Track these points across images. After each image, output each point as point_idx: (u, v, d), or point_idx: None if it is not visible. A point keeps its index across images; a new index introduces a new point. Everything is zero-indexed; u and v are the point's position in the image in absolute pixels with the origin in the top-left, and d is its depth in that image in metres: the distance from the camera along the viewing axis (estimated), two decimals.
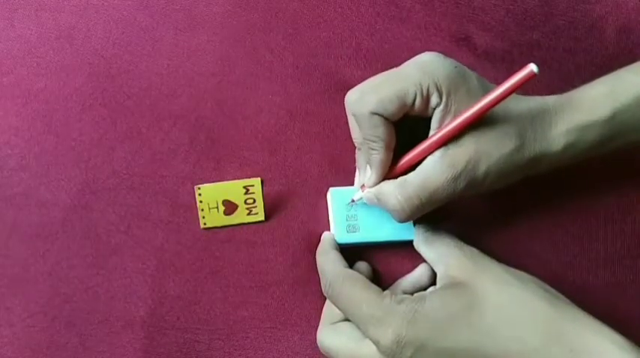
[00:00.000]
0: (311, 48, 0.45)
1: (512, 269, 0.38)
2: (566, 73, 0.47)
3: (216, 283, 0.42)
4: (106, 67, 0.43)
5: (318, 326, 0.42)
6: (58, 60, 0.43)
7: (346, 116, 0.44)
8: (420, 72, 0.37)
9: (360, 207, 0.42)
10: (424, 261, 0.42)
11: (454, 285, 0.37)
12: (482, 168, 0.37)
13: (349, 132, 0.44)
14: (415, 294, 0.37)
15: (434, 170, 0.37)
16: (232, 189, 0.42)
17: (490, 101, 0.35)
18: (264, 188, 0.43)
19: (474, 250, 0.39)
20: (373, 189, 0.39)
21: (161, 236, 0.42)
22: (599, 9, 0.48)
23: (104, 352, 0.41)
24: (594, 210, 0.46)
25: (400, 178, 0.38)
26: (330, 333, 0.40)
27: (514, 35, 0.47)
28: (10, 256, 0.41)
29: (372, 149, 0.38)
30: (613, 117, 0.38)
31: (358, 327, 0.38)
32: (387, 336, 0.35)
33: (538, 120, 0.38)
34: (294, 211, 0.43)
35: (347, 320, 0.40)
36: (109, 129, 0.43)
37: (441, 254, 0.40)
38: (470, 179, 0.37)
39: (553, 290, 0.37)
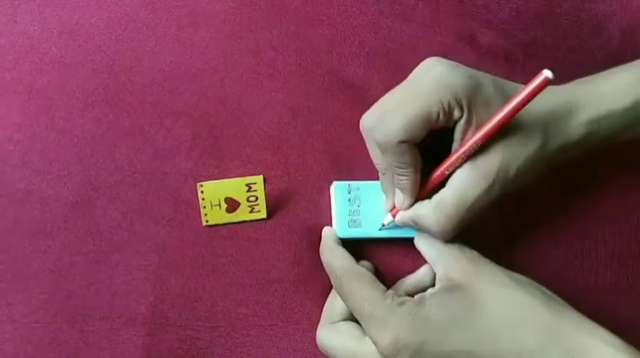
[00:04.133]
0: (314, 45, 0.45)
1: (511, 272, 0.38)
2: (570, 73, 0.47)
3: (217, 280, 0.42)
4: (108, 63, 0.43)
5: (319, 324, 0.42)
6: (60, 56, 0.43)
7: (349, 114, 0.44)
8: (438, 87, 0.36)
9: (363, 202, 0.42)
10: (426, 261, 0.42)
11: (453, 288, 0.37)
12: (513, 171, 0.36)
13: (351, 130, 0.44)
14: (415, 296, 0.37)
15: (467, 184, 0.36)
16: (235, 186, 0.42)
17: (508, 112, 0.35)
18: (266, 185, 0.43)
19: (474, 252, 0.40)
20: (408, 213, 0.39)
21: (163, 233, 0.42)
22: (603, 8, 0.48)
23: (105, 348, 0.41)
24: (596, 210, 0.46)
25: (435, 199, 0.37)
26: (329, 333, 0.40)
27: (518, 34, 0.47)
28: (12, 252, 0.41)
29: (402, 175, 0.38)
30: (635, 106, 0.38)
31: (361, 324, 0.38)
32: (385, 338, 0.35)
33: (558, 113, 0.38)
34: (296, 209, 0.43)
35: (347, 319, 0.40)
36: (112, 125, 0.43)
37: (440, 254, 0.40)
38: (503, 184, 0.36)
39: (552, 294, 0.37)
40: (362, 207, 0.42)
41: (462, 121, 0.36)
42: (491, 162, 0.36)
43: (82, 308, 0.41)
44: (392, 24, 0.46)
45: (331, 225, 0.43)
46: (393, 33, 0.46)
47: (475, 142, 0.36)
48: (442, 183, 0.38)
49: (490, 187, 0.36)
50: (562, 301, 0.36)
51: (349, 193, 0.43)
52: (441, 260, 0.39)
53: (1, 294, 0.41)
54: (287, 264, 0.43)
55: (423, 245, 0.41)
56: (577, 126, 0.38)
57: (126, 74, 0.43)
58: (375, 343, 0.36)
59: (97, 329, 0.41)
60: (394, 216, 0.40)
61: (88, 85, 0.43)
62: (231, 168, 0.43)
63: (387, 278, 0.43)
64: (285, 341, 0.43)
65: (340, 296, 0.39)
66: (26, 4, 0.43)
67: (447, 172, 0.37)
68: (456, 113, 0.36)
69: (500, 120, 0.35)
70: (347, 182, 0.43)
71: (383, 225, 0.42)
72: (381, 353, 0.36)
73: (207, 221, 0.42)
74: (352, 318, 0.40)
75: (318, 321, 0.42)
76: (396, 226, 0.42)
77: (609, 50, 0.47)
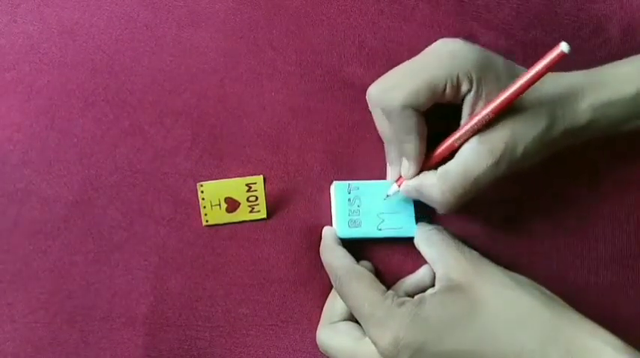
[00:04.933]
0: (314, 45, 0.45)
1: (510, 273, 0.38)
2: None
3: (217, 280, 0.42)
4: (108, 63, 0.43)
5: (319, 324, 0.42)
6: (60, 56, 0.43)
7: (349, 113, 0.44)
8: (449, 60, 0.37)
9: (363, 202, 0.42)
10: (426, 261, 0.42)
11: (453, 288, 0.37)
12: (520, 149, 0.37)
13: (351, 130, 0.44)
14: (415, 297, 0.37)
15: (474, 158, 0.37)
16: (234, 186, 0.42)
17: (523, 84, 0.35)
18: (266, 185, 0.43)
19: (474, 252, 0.40)
20: (412, 182, 0.39)
21: (163, 233, 0.42)
22: (604, 8, 0.48)
23: (105, 348, 0.41)
24: (597, 210, 0.46)
25: (441, 169, 0.38)
26: (329, 333, 0.40)
27: (518, 34, 0.47)
28: (12, 252, 0.41)
29: (407, 142, 0.38)
30: (639, 95, 0.38)
31: (361, 324, 0.38)
32: (385, 338, 0.35)
33: (565, 96, 0.38)
34: (296, 209, 0.43)
35: (346, 319, 0.40)
36: (112, 125, 0.43)
37: (440, 254, 0.40)
38: (509, 161, 0.37)
39: (551, 294, 0.37)
40: (362, 206, 0.42)
41: (471, 95, 0.37)
42: (500, 139, 0.37)
43: (82, 308, 0.41)
44: (392, 24, 0.46)
45: (331, 225, 0.43)
46: (393, 33, 0.46)
47: (487, 114, 0.36)
48: (450, 156, 0.38)
49: (497, 163, 0.37)
50: (562, 301, 0.36)
51: (349, 193, 0.43)
52: (440, 260, 0.39)
53: (1, 294, 0.41)
54: (287, 263, 0.43)
55: (423, 245, 0.41)
56: (583, 110, 0.38)
57: (126, 74, 0.43)
58: (374, 343, 0.36)
59: (97, 329, 0.41)
60: (399, 186, 0.41)
61: (88, 85, 0.43)
62: (231, 168, 0.43)
63: (387, 278, 0.43)
64: (285, 341, 0.43)
65: (340, 296, 0.39)
66: (26, 3, 0.43)
67: (456, 144, 0.38)
68: (465, 86, 0.37)
69: (514, 93, 0.35)
70: (347, 182, 0.43)
71: (387, 195, 0.42)
72: (381, 353, 0.36)
73: (207, 221, 0.42)
74: (352, 318, 0.40)
75: (318, 321, 0.42)
76: (396, 221, 0.42)
77: (609, 50, 0.47)
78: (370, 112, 0.42)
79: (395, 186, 0.41)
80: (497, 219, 0.45)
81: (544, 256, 0.45)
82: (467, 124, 0.37)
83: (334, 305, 0.41)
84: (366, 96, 0.40)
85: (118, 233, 0.42)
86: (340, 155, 0.44)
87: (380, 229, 0.42)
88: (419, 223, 0.42)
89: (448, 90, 0.37)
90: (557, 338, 0.34)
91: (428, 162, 0.39)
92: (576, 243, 0.46)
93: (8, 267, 0.41)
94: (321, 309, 0.43)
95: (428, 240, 0.41)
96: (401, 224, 0.42)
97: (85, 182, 0.42)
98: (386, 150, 0.42)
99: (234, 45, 0.44)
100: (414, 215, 0.43)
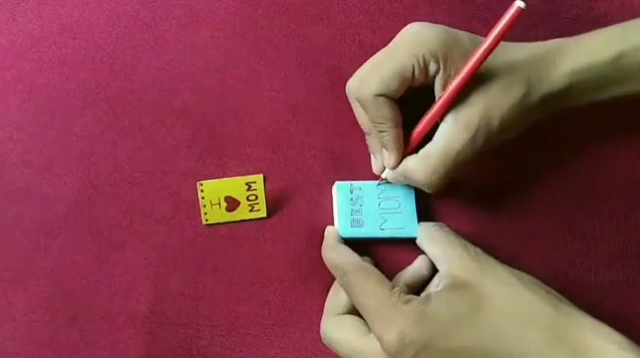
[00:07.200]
0: (314, 44, 0.45)
1: (515, 271, 0.38)
2: None
3: (217, 279, 0.42)
4: (108, 62, 0.43)
5: (319, 322, 0.42)
6: (60, 54, 0.43)
7: (349, 112, 0.44)
8: (413, 43, 0.38)
9: (365, 202, 0.42)
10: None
11: (458, 286, 0.37)
12: (496, 121, 0.37)
13: (352, 129, 0.44)
14: (421, 294, 0.37)
15: (451, 135, 0.37)
16: (234, 185, 0.42)
17: (486, 49, 0.35)
18: (266, 184, 0.43)
19: (478, 250, 0.39)
20: (398, 169, 0.40)
21: (163, 232, 0.42)
22: (603, 7, 0.47)
23: (105, 347, 0.41)
24: (597, 209, 0.46)
25: (421, 152, 0.39)
26: (334, 325, 0.40)
27: (518, 33, 0.47)
28: (13, 251, 0.41)
29: (382, 131, 0.39)
30: (618, 59, 0.38)
31: (366, 320, 0.38)
32: (390, 334, 0.35)
33: (541, 62, 0.38)
34: (296, 208, 0.43)
35: (350, 312, 0.40)
36: (112, 124, 0.43)
37: (444, 252, 0.40)
38: (487, 134, 0.37)
39: (554, 292, 0.37)
40: (364, 206, 0.42)
41: (440, 75, 0.37)
42: (474, 113, 0.37)
43: (82, 307, 0.41)
44: (392, 23, 0.46)
45: (332, 224, 0.43)
46: (393, 32, 0.46)
47: (455, 88, 0.37)
48: (428, 137, 0.39)
49: (473, 137, 0.37)
50: (566, 300, 0.36)
51: (351, 193, 0.42)
52: (444, 258, 0.39)
53: (2, 293, 0.41)
54: (287, 262, 0.43)
55: (426, 243, 0.41)
56: (559, 76, 0.38)
57: (126, 73, 0.43)
58: (379, 339, 0.36)
59: (97, 327, 0.41)
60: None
61: (88, 84, 0.43)
62: (231, 166, 0.43)
63: (388, 278, 0.43)
64: (286, 340, 0.43)
65: (346, 292, 0.39)
66: (26, 2, 0.43)
67: (431, 122, 0.38)
68: (432, 67, 0.37)
69: (477, 60, 0.36)
70: (349, 182, 0.43)
71: (382, 179, 0.42)
72: (386, 349, 0.36)
73: (207, 220, 0.42)
74: (356, 311, 0.40)
75: (319, 320, 0.42)
76: (398, 221, 0.42)
77: None
78: None
79: (387, 171, 0.42)
80: (498, 218, 0.45)
81: (544, 255, 0.45)
82: (436, 103, 0.38)
83: (338, 296, 0.41)
84: (346, 92, 0.41)
85: (117, 232, 0.42)
86: (340, 154, 0.44)
87: (382, 229, 0.42)
88: (420, 222, 0.42)
89: (417, 73, 0.37)
90: (562, 335, 0.34)
91: (408, 146, 0.40)
92: (576, 242, 0.45)
93: (8, 266, 0.41)
94: (321, 308, 0.42)
95: (431, 238, 0.41)
96: (403, 224, 0.42)
97: (85, 181, 0.42)
98: (367, 141, 0.42)
99: (234, 44, 0.44)
100: (416, 215, 0.42)
